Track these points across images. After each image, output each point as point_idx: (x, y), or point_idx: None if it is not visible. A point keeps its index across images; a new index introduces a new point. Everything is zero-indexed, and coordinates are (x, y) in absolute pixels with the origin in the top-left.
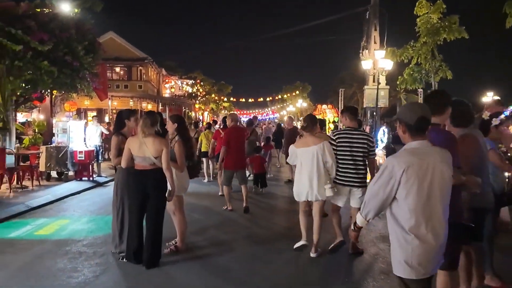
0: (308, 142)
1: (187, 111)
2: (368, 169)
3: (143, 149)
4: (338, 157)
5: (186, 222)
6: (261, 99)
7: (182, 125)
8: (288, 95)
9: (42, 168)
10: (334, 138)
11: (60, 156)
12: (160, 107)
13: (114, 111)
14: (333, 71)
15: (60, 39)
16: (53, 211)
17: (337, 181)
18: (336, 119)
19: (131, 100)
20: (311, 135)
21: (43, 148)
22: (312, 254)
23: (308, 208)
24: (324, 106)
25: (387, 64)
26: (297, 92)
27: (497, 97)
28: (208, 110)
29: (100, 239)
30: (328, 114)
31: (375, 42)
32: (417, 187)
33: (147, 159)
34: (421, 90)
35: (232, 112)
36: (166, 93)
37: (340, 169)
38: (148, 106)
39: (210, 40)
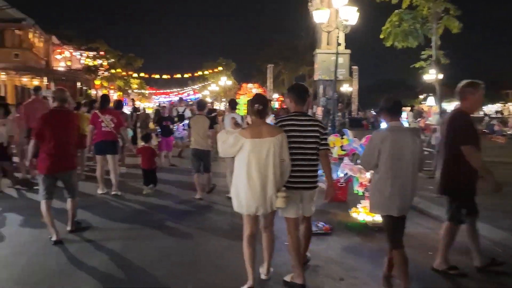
0: (261, 132)
1: (83, 87)
2: (321, 165)
3: None
4: None
5: None
6: (179, 75)
7: None
8: (210, 71)
9: None
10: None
11: None
12: (45, 83)
13: None
14: (258, 49)
15: None
16: None
17: (286, 185)
18: None
19: (3, 73)
20: (265, 122)
21: None
22: (264, 276)
23: (256, 228)
24: (250, 85)
25: (351, 15)
26: (220, 68)
27: None
28: (113, 87)
29: None
30: None
31: None
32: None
33: None
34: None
35: (59, 87)
36: (60, 67)
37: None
38: (34, 82)
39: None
